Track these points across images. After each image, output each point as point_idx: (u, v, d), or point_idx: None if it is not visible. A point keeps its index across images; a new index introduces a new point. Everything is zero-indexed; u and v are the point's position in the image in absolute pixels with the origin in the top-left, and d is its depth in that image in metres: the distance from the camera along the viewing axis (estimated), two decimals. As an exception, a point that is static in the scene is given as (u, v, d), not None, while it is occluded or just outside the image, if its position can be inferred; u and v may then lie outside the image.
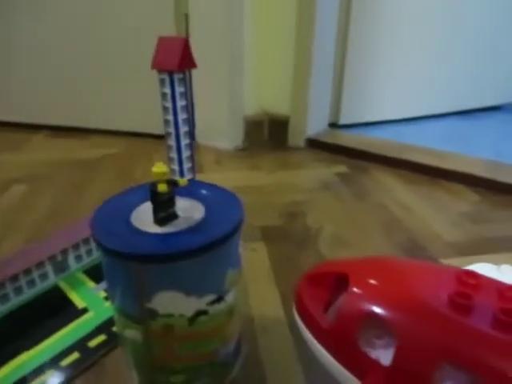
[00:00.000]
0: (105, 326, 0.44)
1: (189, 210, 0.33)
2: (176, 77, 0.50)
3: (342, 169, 0.90)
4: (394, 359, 0.22)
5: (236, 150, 1.02)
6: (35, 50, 1.11)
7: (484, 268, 0.29)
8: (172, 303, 0.29)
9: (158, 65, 0.50)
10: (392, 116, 1.22)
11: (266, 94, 1.04)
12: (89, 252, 0.55)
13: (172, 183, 0.30)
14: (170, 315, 0.30)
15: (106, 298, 0.48)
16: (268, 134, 1.08)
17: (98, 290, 0.49)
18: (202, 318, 0.31)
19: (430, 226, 0.67)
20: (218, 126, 1.01)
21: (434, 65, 1.20)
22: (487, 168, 0.86)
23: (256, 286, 0.51)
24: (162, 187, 0.29)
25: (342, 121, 1.15)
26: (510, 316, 0.21)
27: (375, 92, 1.16)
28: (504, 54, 1.29)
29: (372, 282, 0.25)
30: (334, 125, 1.15)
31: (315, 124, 1.05)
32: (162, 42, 0.51)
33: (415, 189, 0.81)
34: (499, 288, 0.24)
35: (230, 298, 0.33)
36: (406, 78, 1.18)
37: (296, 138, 1.04)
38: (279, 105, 1.04)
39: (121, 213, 0.32)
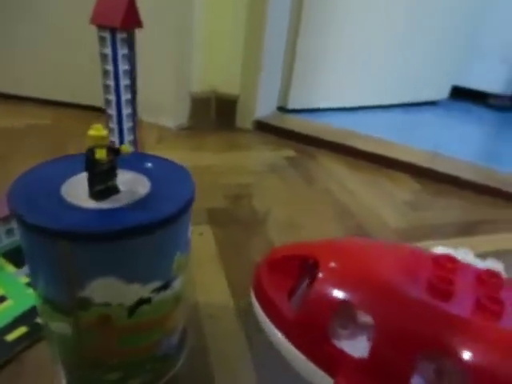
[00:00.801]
0: (26, 317, 0.38)
1: (131, 183, 0.28)
2: (119, 36, 0.44)
3: (290, 153, 0.89)
4: (372, 351, 0.20)
5: (180, 129, 0.97)
6: None
7: (443, 251, 0.28)
8: (110, 291, 0.25)
9: (97, 20, 0.44)
10: (339, 104, 1.23)
11: (215, 72, 0.99)
12: (9, 232, 0.48)
13: (113, 150, 0.25)
14: (107, 304, 0.26)
15: (29, 285, 0.42)
16: (215, 114, 1.03)
17: (19, 276, 0.43)
18: (145, 307, 0.27)
19: (375, 212, 0.68)
20: (162, 101, 0.95)
21: (380, 57, 1.22)
22: (427, 158, 0.89)
23: (202, 272, 0.47)
24: (101, 153, 0.24)
25: (291, 105, 1.13)
26: (493, 302, 0.20)
27: (324, 79, 1.16)
28: (443, 54, 1.35)
29: (345, 267, 0.23)
30: (282, 108, 1.13)
31: (264, 106, 1.02)
32: (104, -6, 0.45)
33: (360, 175, 0.82)
34: (477, 272, 0.23)
35: (176, 284, 0.29)
36: (354, 68, 1.19)
37: (244, 120, 1.00)
38: (228, 84, 0.99)
39: (48, 184, 0.27)
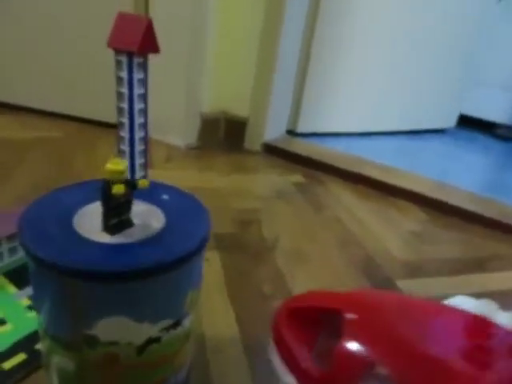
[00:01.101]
0: (25, 343, 0.37)
1: (146, 216, 0.28)
2: (136, 60, 0.44)
3: (298, 178, 0.88)
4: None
5: (189, 148, 0.97)
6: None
7: (465, 302, 0.27)
8: (119, 330, 0.24)
9: (114, 43, 0.43)
10: (348, 129, 1.23)
11: (225, 93, 0.99)
12: (12, 250, 0.47)
13: (130, 185, 0.24)
14: (115, 343, 0.25)
15: (30, 308, 0.40)
16: (224, 135, 1.03)
17: (21, 297, 0.42)
18: (154, 346, 0.26)
19: (382, 243, 0.67)
20: (172, 119, 0.95)
21: (389, 85, 1.23)
22: (435, 188, 0.88)
23: (209, 303, 0.46)
24: (119, 188, 0.23)
25: (300, 129, 1.13)
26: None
27: (334, 104, 1.16)
28: (451, 83, 1.36)
29: (373, 323, 0.22)
30: (290, 132, 1.13)
31: (273, 129, 1.02)
32: (122, 18, 0.45)
33: (368, 203, 0.81)
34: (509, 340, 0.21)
35: (187, 322, 0.28)
36: (361, 94, 1.20)
37: (253, 142, 1.00)
38: (238, 105, 1.00)
39: (60, 214, 0.26)
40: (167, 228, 0.26)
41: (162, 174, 0.79)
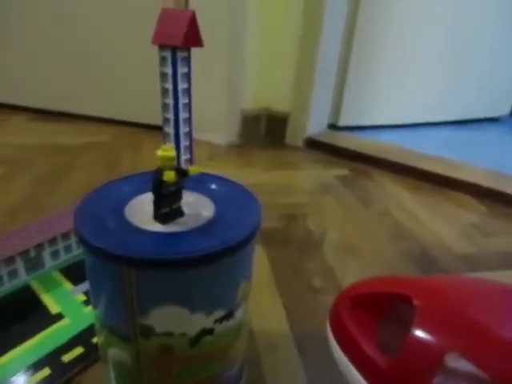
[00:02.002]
0: (83, 337, 0.37)
1: (196, 206, 0.27)
2: (180, 55, 0.44)
3: (343, 172, 0.86)
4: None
5: (230, 146, 0.97)
6: (20, 31, 1.02)
7: None
8: (172, 320, 0.24)
9: (159, 39, 0.44)
10: (391, 121, 1.19)
11: (266, 89, 0.98)
12: (67, 248, 0.49)
13: (181, 172, 0.24)
14: (169, 334, 0.24)
15: (86, 303, 0.41)
16: (265, 131, 1.02)
17: (77, 293, 0.43)
18: (207, 337, 0.25)
19: (438, 236, 0.63)
20: (213, 118, 0.95)
21: (436, 73, 1.17)
22: (493, 179, 0.82)
23: (257, 297, 0.45)
24: (169, 176, 0.23)
25: (342, 122, 1.10)
26: None
27: (376, 96, 1.12)
28: (504, 68, 1.27)
29: (446, 310, 0.20)
30: (332, 126, 1.10)
31: (315, 124, 1.00)
32: (166, 13, 0.45)
33: (420, 196, 0.77)
34: None
35: (239, 314, 0.27)
36: (407, 84, 1.15)
37: (295, 137, 0.99)
38: (279, 101, 0.98)
39: (112, 205, 0.27)
40: (217, 217, 0.26)
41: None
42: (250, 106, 0.99)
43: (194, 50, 0.50)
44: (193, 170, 0.25)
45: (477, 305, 0.20)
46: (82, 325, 0.39)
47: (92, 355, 0.36)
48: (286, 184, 0.78)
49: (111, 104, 1.05)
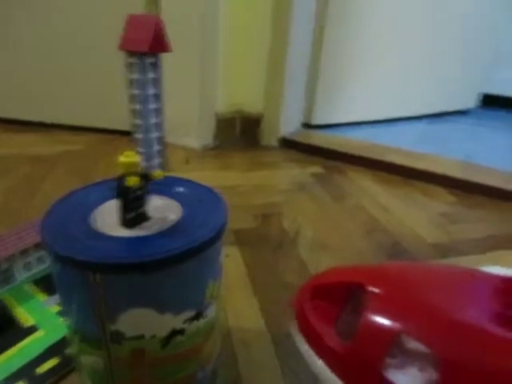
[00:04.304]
0: (57, 348, 0.37)
1: (162, 209, 0.27)
2: (147, 60, 0.45)
3: (318, 169, 0.87)
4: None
5: (206, 149, 0.97)
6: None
7: (498, 271, 0.25)
8: (142, 323, 0.24)
9: (126, 45, 0.44)
10: (364, 117, 1.21)
11: (239, 92, 0.99)
12: (40, 259, 0.48)
13: (145, 177, 0.24)
14: (140, 337, 0.24)
15: (60, 314, 0.41)
16: (240, 133, 1.03)
17: (50, 304, 0.43)
18: (178, 338, 0.26)
19: (410, 227, 0.65)
20: (188, 122, 0.95)
21: (405, 69, 1.20)
22: (461, 169, 0.85)
23: (233, 296, 0.46)
24: (133, 181, 0.23)
25: (315, 121, 1.12)
26: None
27: (348, 93, 1.15)
28: (470, 62, 1.32)
29: (397, 293, 0.21)
30: (306, 125, 1.12)
31: (289, 123, 1.01)
32: (133, 19, 0.45)
33: (392, 190, 0.79)
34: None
35: (210, 313, 0.28)
36: (378, 80, 1.17)
37: (269, 138, 1.00)
38: (252, 103, 0.99)
39: (78, 212, 0.27)
40: (184, 219, 0.26)
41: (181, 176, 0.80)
42: (224, 108, 1.00)
43: (166, 55, 0.50)
44: (157, 174, 0.25)
45: (427, 287, 0.21)
46: (57, 336, 0.38)
47: (67, 365, 0.35)
48: (261, 184, 0.78)
49: (84, 112, 1.04)
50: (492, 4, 1.25)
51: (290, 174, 0.85)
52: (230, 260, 0.53)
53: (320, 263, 0.53)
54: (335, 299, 0.24)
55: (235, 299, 0.45)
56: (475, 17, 1.24)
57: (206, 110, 0.95)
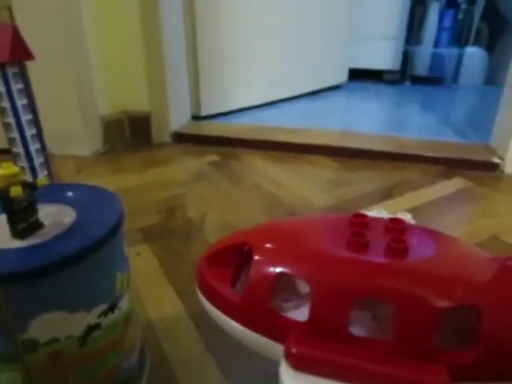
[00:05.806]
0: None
1: (56, 215, 0.28)
2: (10, 71, 0.43)
3: (213, 158, 0.90)
4: (311, 310, 0.22)
5: (97, 155, 0.94)
6: None
7: (380, 213, 0.31)
8: (55, 326, 0.25)
9: (-18, 58, 0.42)
10: (249, 103, 1.27)
11: (122, 93, 0.97)
12: None
13: (29, 186, 0.25)
14: (55, 340, 0.25)
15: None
16: (130, 133, 1.01)
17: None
18: (96, 333, 0.27)
19: (302, 196, 0.72)
20: (72, 130, 0.91)
21: (282, 53, 1.28)
22: (340, 138, 0.95)
23: (149, 289, 0.47)
24: (16, 191, 0.23)
25: (204, 112, 1.14)
26: (399, 243, 0.23)
27: (230, 82, 1.19)
28: (336, 41, 1.46)
29: (276, 244, 0.25)
30: (196, 117, 1.14)
31: (178, 118, 1.03)
32: (-16, 30, 0.43)
33: (283, 165, 0.85)
34: (384, 223, 0.26)
35: (123, 304, 0.29)
36: (257, 66, 1.24)
37: (160, 134, 1.00)
38: (137, 102, 0.98)
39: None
40: (79, 221, 0.27)
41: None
42: (109, 111, 0.97)
43: (33, 65, 0.48)
44: (41, 181, 0.25)
45: (300, 234, 0.26)
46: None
47: (-18, 396, 0.34)
48: (160, 180, 0.79)
49: None
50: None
51: (187, 166, 0.87)
52: (142, 257, 0.54)
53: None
54: (229, 261, 0.27)
55: (153, 291, 0.47)
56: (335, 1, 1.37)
57: (89, 115, 0.92)
